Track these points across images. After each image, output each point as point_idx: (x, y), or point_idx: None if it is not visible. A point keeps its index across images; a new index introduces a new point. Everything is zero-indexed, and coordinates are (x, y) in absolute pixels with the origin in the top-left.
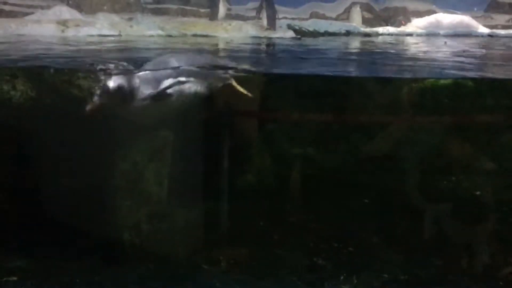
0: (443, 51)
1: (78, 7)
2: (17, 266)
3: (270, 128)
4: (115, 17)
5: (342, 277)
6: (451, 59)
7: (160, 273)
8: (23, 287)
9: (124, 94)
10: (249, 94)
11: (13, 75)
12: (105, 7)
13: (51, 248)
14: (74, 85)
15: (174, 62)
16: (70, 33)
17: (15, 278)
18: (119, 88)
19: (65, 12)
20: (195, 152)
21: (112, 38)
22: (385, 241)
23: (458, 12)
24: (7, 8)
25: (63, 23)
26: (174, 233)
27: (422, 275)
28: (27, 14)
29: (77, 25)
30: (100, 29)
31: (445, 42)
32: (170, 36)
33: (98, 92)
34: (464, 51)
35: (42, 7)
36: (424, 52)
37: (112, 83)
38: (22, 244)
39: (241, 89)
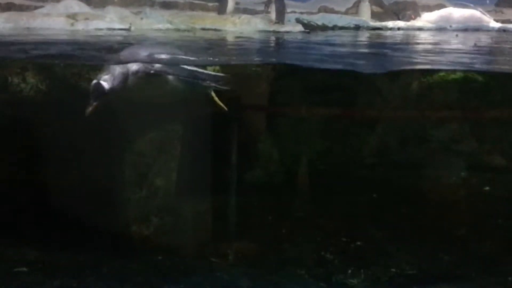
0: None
1: (87, 0)
2: (27, 257)
3: (279, 122)
4: (124, 11)
5: (349, 271)
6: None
7: (168, 266)
8: (33, 278)
9: (115, 90)
10: (225, 108)
11: (23, 67)
12: (114, 0)
13: (60, 240)
14: (84, 78)
15: (143, 52)
16: (80, 26)
17: (25, 269)
18: (111, 88)
19: (75, 5)
20: (204, 145)
21: (121, 32)
22: (393, 235)
23: (469, 6)
24: (17, 1)
25: (73, 17)
26: (183, 226)
27: (430, 269)
28: (36, 7)
29: (86, 19)
30: (109, 22)
31: (457, 35)
32: (178, 30)
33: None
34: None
35: (52, 0)
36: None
37: (105, 84)
38: (32, 236)
39: (219, 103)
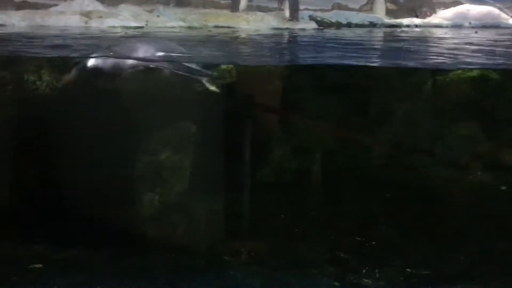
0: None
1: None
2: (42, 254)
3: (291, 120)
4: (137, 9)
5: (364, 271)
6: None
7: (181, 264)
8: (48, 275)
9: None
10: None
11: (38, 65)
12: None
13: (75, 237)
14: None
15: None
16: (94, 24)
17: (40, 266)
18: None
19: (88, 3)
20: (217, 144)
21: (135, 30)
22: (408, 235)
23: (488, 2)
24: (32, 0)
25: (86, 15)
26: (196, 224)
27: (445, 270)
28: (50, 6)
29: (100, 17)
30: (123, 20)
31: (476, 32)
32: (191, 27)
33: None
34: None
35: None
36: None
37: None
38: (47, 233)
39: (214, 89)
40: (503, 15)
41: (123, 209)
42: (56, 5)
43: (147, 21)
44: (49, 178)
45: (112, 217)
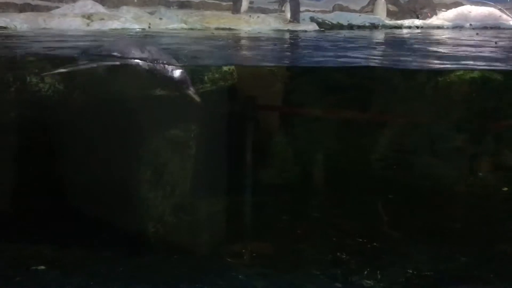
0: None
1: (102, 0)
2: (45, 256)
3: (294, 122)
4: (138, 11)
5: (366, 272)
6: None
7: (183, 265)
8: (51, 276)
9: None
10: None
11: (41, 68)
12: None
13: (78, 238)
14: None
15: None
16: (95, 26)
17: (43, 267)
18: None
19: (90, 6)
20: (220, 145)
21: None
22: (410, 236)
23: (488, 3)
24: (33, 2)
25: (88, 17)
26: (198, 225)
27: (447, 271)
28: (51, 8)
29: (102, 19)
30: (124, 22)
31: (477, 33)
32: (192, 29)
33: None
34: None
35: (67, 1)
36: None
37: None
38: (49, 234)
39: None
40: (504, 16)
41: (125, 210)
42: (58, 7)
43: (150, 24)
44: (52, 179)
45: (114, 218)
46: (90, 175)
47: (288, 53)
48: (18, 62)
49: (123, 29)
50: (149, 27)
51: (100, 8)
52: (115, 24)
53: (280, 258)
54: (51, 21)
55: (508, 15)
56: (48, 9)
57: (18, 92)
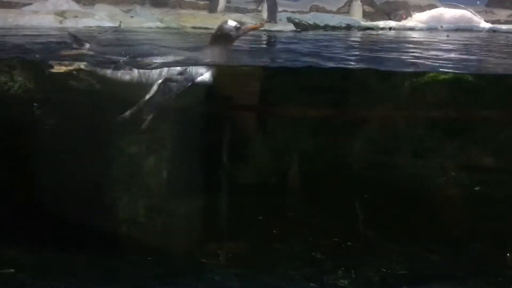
0: None
1: None
2: (14, 259)
3: (270, 122)
4: (113, 9)
5: (340, 272)
6: None
7: (158, 267)
8: (21, 280)
9: None
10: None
11: (11, 66)
12: None
13: (49, 241)
14: (73, 76)
15: None
16: (68, 24)
17: (12, 270)
18: None
19: (63, 3)
20: (195, 145)
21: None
22: (384, 236)
23: (460, 6)
24: None
25: (61, 14)
26: (173, 226)
27: (421, 270)
28: (24, 5)
29: (76, 16)
30: (99, 20)
31: (448, 35)
32: (168, 28)
33: None
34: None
35: None
36: None
37: None
38: (20, 237)
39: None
40: (475, 19)
41: (99, 212)
42: (30, 4)
43: (120, 22)
44: (23, 180)
45: (88, 220)
46: (63, 176)
47: (265, 53)
48: None
49: (97, 27)
50: (120, 25)
51: (74, 6)
52: (89, 22)
53: (255, 258)
54: (22, 18)
55: (479, 18)
56: (20, 6)
57: None
